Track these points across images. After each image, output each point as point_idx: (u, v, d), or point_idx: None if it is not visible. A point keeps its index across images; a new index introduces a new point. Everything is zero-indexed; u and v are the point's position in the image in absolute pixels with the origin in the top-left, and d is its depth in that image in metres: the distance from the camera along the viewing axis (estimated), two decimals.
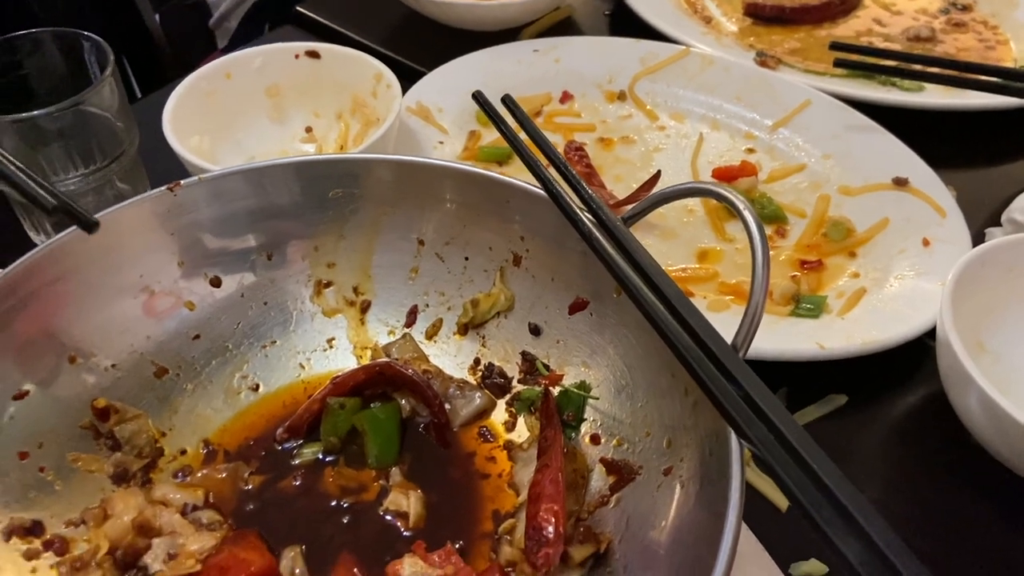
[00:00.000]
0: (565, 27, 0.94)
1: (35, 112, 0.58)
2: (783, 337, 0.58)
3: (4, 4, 1.20)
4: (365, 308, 0.56)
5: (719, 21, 0.93)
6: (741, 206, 0.45)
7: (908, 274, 0.62)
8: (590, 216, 0.49)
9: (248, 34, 1.29)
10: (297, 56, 0.74)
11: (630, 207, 0.51)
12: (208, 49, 1.47)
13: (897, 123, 0.74)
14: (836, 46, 0.76)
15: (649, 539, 0.42)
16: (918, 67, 0.73)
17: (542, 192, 0.51)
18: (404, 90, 0.78)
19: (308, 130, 0.76)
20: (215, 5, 1.40)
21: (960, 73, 0.71)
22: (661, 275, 0.46)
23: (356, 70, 0.73)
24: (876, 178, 0.70)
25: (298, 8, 0.97)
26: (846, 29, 0.91)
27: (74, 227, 0.46)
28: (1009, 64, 0.83)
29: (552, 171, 0.51)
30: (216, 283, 0.53)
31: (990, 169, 0.77)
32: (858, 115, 0.74)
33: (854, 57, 0.75)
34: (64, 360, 0.47)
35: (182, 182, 0.50)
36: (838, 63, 0.75)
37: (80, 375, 0.47)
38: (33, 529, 0.43)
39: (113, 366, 0.49)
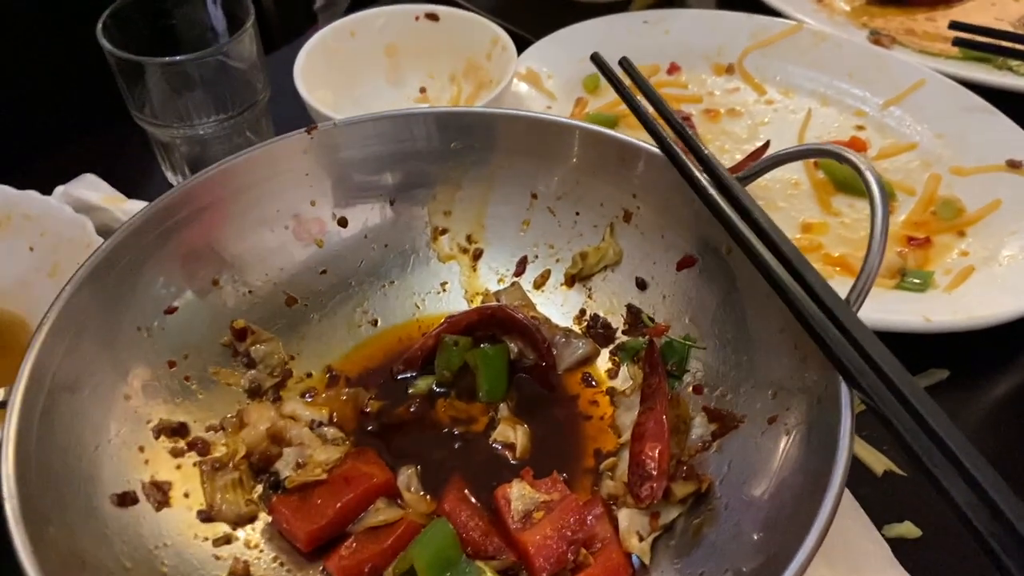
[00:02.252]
0: (673, 2, 0.95)
1: (181, 57, 0.62)
2: (888, 308, 0.58)
3: None
4: (477, 256, 0.59)
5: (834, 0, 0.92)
6: (863, 166, 0.45)
7: (1019, 254, 0.61)
8: (706, 175, 0.50)
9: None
10: (417, 18, 0.77)
11: (745, 169, 0.52)
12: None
13: (1014, 107, 0.73)
14: (956, 25, 0.75)
15: (752, 482, 0.43)
16: None
17: (658, 151, 0.53)
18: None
19: (422, 90, 0.79)
20: None
21: None
22: (776, 231, 0.47)
23: (473, 34, 0.76)
24: (989, 160, 0.69)
25: None
26: (961, 13, 0.89)
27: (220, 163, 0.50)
28: None
29: (668, 132, 0.53)
30: (343, 223, 0.57)
31: None
32: (973, 96, 0.73)
33: (973, 37, 0.74)
34: (209, 281, 0.51)
35: (319, 125, 0.54)
36: (957, 42, 0.73)
37: (222, 297, 0.52)
38: (179, 430, 0.47)
39: (250, 292, 0.53)
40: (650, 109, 0.55)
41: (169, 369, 0.48)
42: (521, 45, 0.82)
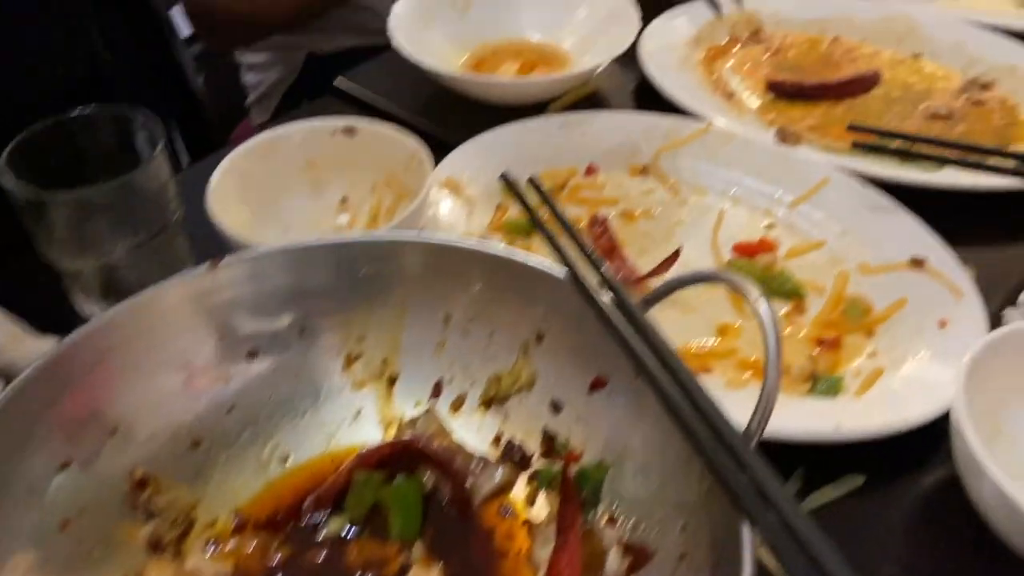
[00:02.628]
0: (592, 101, 0.97)
1: (85, 189, 0.62)
2: (800, 417, 0.59)
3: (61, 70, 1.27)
4: (392, 380, 0.58)
5: (741, 97, 0.95)
6: (753, 296, 0.46)
7: (925, 355, 0.63)
8: (609, 297, 0.51)
9: (288, 109, 1.34)
10: (335, 132, 0.77)
11: (655, 278, 0.53)
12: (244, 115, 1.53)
13: (916, 200, 0.76)
14: (854, 127, 0.78)
15: None
16: (934, 150, 0.74)
17: (563, 274, 0.53)
18: (435, 162, 0.81)
19: (343, 201, 0.79)
20: (254, 86, 1.46)
21: (975, 156, 0.73)
22: (676, 359, 0.48)
23: (390, 147, 0.76)
24: (894, 257, 0.71)
25: (336, 83, 1.01)
26: (864, 106, 0.93)
27: (118, 305, 0.49)
28: None
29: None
30: (251, 357, 0.56)
31: (1008, 248, 0.78)
32: (876, 194, 0.76)
33: (871, 139, 0.77)
34: (106, 433, 0.49)
35: (221, 261, 0.53)
36: (856, 145, 0.76)
37: (120, 447, 0.50)
38: None
39: (151, 438, 0.51)
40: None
41: (62, 531, 0.46)
42: (444, 149, 0.84)
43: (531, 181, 0.63)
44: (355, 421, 0.57)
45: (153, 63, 1.34)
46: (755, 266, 0.72)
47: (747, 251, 0.74)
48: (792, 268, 0.74)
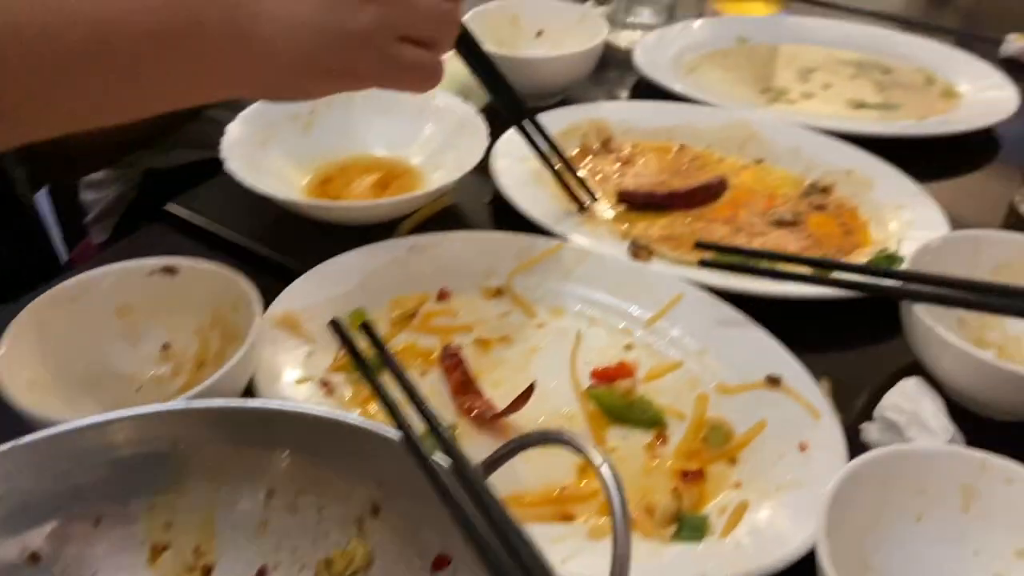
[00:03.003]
0: (445, 216, 0.94)
1: None
2: (665, 568, 0.55)
3: None
4: (207, 571, 0.51)
5: (595, 208, 0.94)
6: (598, 462, 0.42)
7: (788, 484, 0.61)
8: (447, 461, 0.46)
9: (129, 226, 1.25)
10: (151, 273, 0.70)
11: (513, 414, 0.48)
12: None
13: (768, 311, 0.75)
14: (701, 245, 0.77)
15: None
16: (777, 265, 0.75)
17: (398, 436, 0.48)
18: (277, 290, 0.75)
19: (165, 347, 0.72)
20: (92, 204, 1.37)
21: (818, 270, 0.73)
22: (518, 534, 0.43)
23: (216, 285, 0.70)
24: (751, 375, 0.70)
25: (166, 208, 0.94)
26: (713, 213, 0.94)
27: None
28: (868, 248, 0.87)
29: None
30: (35, 559, 0.47)
31: (859, 354, 0.78)
32: (728, 309, 0.75)
33: (716, 256, 0.77)
34: None
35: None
36: (703, 264, 0.76)
37: None
38: None
39: None
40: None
41: None
42: (287, 276, 0.78)
43: (364, 327, 0.58)
44: None
45: None
46: (614, 394, 0.69)
47: (606, 377, 0.71)
48: (652, 392, 0.71)
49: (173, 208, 0.94)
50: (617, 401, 0.69)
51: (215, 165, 0.97)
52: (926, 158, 1.02)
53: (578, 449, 0.44)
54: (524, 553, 0.42)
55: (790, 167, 1.01)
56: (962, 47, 1.25)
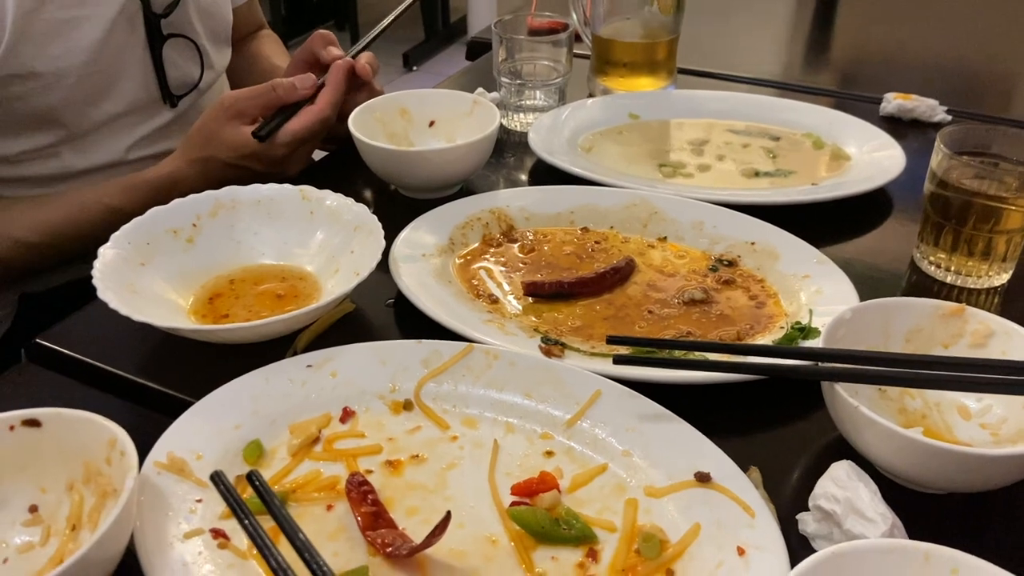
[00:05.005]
0: (345, 323, 0.89)
1: None
2: None
3: None
4: None
5: (502, 302, 0.91)
6: None
7: None
8: None
9: (5, 356, 1.15)
10: (12, 427, 0.63)
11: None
12: None
13: (688, 399, 0.72)
14: (612, 340, 0.75)
15: None
16: (692, 354, 0.72)
17: None
18: (164, 426, 0.69)
19: (33, 509, 0.64)
20: None
21: (729, 355, 0.71)
22: None
23: (86, 435, 0.63)
24: (679, 474, 0.66)
25: (38, 340, 0.86)
26: (624, 297, 0.91)
27: None
28: (781, 320, 0.85)
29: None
30: None
31: (786, 434, 0.76)
32: (649, 403, 0.72)
33: (630, 350, 0.74)
34: None
35: None
36: (617, 360, 0.73)
37: None
38: None
39: None
40: None
41: None
42: (176, 408, 0.71)
43: (250, 478, 0.52)
44: None
45: None
46: (538, 512, 0.64)
47: (528, 491, 0.67)
48: (578, 502, 0.66)
49: (45, 341, 0.86)
50: (541, 519, 0.64)
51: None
52: (824, 221, 1.03)
53: None
54: None
55: (694, 243, 1.00)
56: (843, 108, 1.28)
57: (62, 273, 1.22)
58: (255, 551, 0.61)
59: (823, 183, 1.11)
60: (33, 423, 0.63)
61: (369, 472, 0.70)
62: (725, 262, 0.96)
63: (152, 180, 1.09)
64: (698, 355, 0.77)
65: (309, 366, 0.78)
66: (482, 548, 0.63)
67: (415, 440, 0.73)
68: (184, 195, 0.95)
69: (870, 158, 1.15)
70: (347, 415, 0.75)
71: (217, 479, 0.54)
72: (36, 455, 0.64)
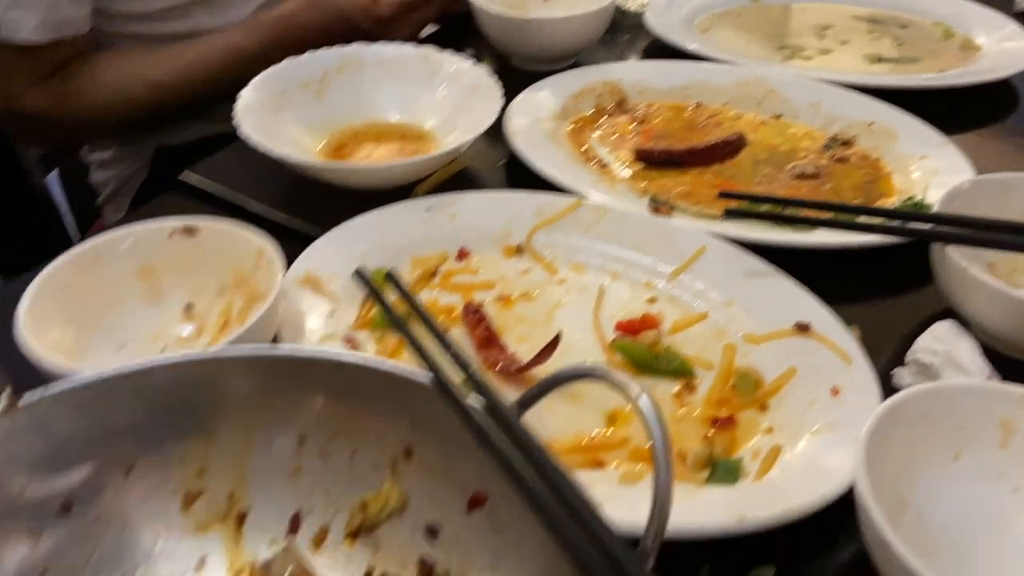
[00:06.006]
0: (460, 179, 0.93)
1: None
2: (701, 510, 0.54)
3: None
4: (241, 518, 0.50)
5: (612, 167, 0.93)
6: (635, 394, 0.42)
7: (821, 428, 0.60)
8: (480, 402, 0.46)
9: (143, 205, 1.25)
10: (171, 234, 0.70)
11: (538, 368, 0.47)
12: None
13: (792, 262, 0.74)
14: (725, 194, 0.76)
15: None
16: (803, 212, 0.73)
17: (428, 379, 0.47)
18: (295, 254, 0.75)
19: (188, 309, 0.71)
20: (103, 184, 1.37)
21: (844, 215, 0.72)
22: (557, 470, 0.42)
23: (236, 245, 0.70)
24: (778, 324, 0.69)
25: (182, 177, 0.93)
26: (733, 169, 0.93)
27: None
28: (892, 198, 0.85)
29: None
30: (67, 507, 0.47)
31: (889, 303, 0.77)
32: (753, 260, 0.74)
33: (742, 205, 0.76)
34: None
35: (21, 399, 0.45)
36: (727, 213, 0.75)
37: None
38: None
39: None
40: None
41: None
42: (306, 240, 0.78)
43: (389, 276, 0.57)
44: (199, 572, 0.49)
45: None
46: (640, 345, 0.68)
47: (630, 329, 0.71)
48: (678, 343, 0.70)
49: (189, 177, 0.94)
50: (642, 351, 0.68)
51: (226, 140, 0.96)
52: (947, 110, 1.00)
53: (614, 383, 0.44)
54: (565, 489, 0.41)
55: (810, 122, 1.00)
56: (977, 1, 1.23)
57: (196, 128, 1.30)
58: (382, 356, 0.68)
59: (949, 72, 1.08)
60: (190, 231, 0.70)
61: (481, 304, 0.75)
62: (840, 141, 0.96)
63: (271, 19, 1.15)
64: (802, 223, 0.78)
65: (429, 208, 0.83)
66: None
67: (525, 280, 0.78)
68: (300, 37, 1.00)
69: (1000, 49, 1.11)
70: (463, 254, 0.80)
71: (360, 274, 0.60)
72: (192, 260, 0.71)
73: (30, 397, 0.46)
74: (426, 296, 0.76)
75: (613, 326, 0.72)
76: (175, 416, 0.49)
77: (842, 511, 0.56)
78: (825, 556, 0.56)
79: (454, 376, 0.48)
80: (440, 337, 0.52)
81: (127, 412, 0.48)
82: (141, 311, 0.70)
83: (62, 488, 0.47)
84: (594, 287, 0.77)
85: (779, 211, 0.73)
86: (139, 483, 0.49)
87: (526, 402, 0.47)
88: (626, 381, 0.42)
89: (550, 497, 0.41)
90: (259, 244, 0.68)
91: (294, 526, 0.50)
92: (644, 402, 0.41)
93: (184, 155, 1.34)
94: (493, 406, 0.46)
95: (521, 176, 0.90)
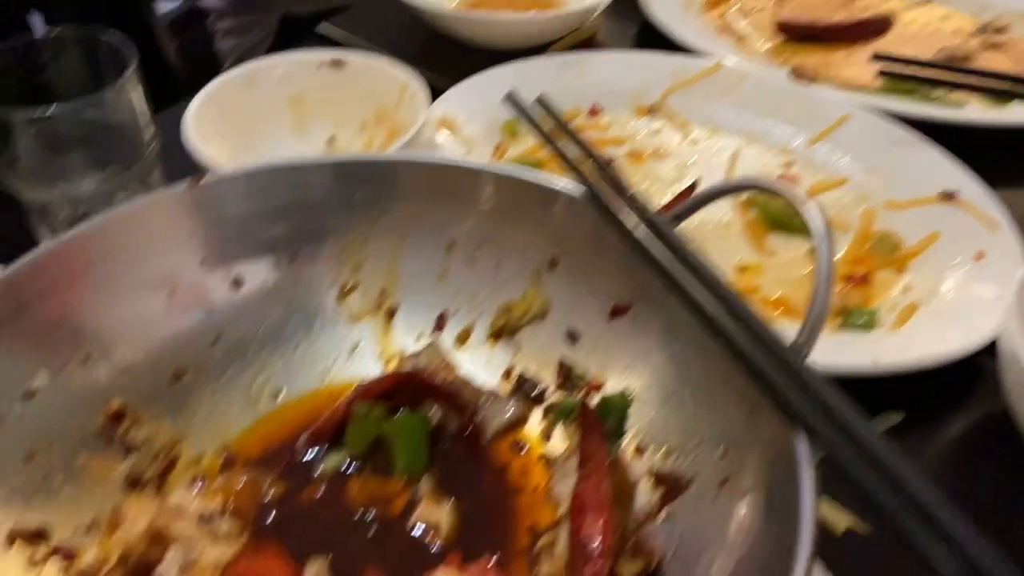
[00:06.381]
0: (591, 46, 0.93)
1: (51, 110, 0.56)
2: (835, 352, 0.54)
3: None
4: (391, 313, 0.53)
5: (750, 39, 0.91)
6: (800, 200, 0.42)
7: (962, 288, 0.59)
8: (633, 216, 0.46)
9: None
10: (320, 66, 0.72)
11: (676, 208, 0.48)
12: None
13: (940, 138, 0.72)
14: (878, 57, 0.74)
15: (707, 557, 0.38)
16: (958, 77, 0.70)
17: (580, 192, 0.49)
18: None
19: (331, 141, 0.74)
20: (228, 53, 1.40)
21: (1006, 83, 0.69)
22: (712, 272, 0.43)
23: (381, 80, 0.71)
24: (923, 192, 0.67)
25: (320, 28, 0.95)
26: (879, 47, 0.89)
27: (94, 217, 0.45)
28: None
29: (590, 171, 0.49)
30: (238, 283, 0.51)
31: None
32: (900, 129, 0.72)
33: (897, 68, 0.73)
34: (77, 358, 0.44)
35: (203, 177, 0.48)
36: (883, 72, 0.72)
37: (94, 375, 0.45)
38: (38, 534, 0.40)
39: (129, 366, 0.46)
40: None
41: (27, 462, 0.41)
42: (437, 95, 0.79)
43: (540, 101, 0.58)
44: (352, 356, 0.52)
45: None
46: (775, 203, 0.68)
47: None
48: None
49: (325, 29, 0.96)
50: (778, 209, 0.67)
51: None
52: None
53: (778, 190, 0.44)
54: (720, 289, 0.42)
55: (961, 7, 0.94)
56: None
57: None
58: None
59: None
60: (338, 64, 0.73)
61: (612, 157, 0.75)
62: (993, 28, 0.91)
63: None
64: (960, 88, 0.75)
65: (563, 65, 0.83)
66: (716, 231, 0.68)
67: (657, 139, 0.78)
68: None
69: None
70: (594, 111, 0.81)
71: (511, 97, 0.61)
72: (338, 94, 0.73)
73: (211, 177, 0.49)
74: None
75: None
76: (336, 213, 0.52)
77: (972, 374, 0.56)
78: (954, 410, 0.56)
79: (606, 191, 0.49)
80: (592, 155, 0.53)
81: (293, 203, 0.51)
82: (288, 140, 0.73)
83: (232, 263, 0.50)
84: (728, 149, 0.76)
85: (935, 76, 0.70)
86: (301, 270, 0.52)
87: (681, 215, 0.47)
88: (790, 188, 0.43)
89: (705, 298, 0.42)
90: (404, 79, 0.70)
91: (440, 324, 0.53)
92: (811, 207, 0.41)
93: (310, 24, 1.37)
94: (647, 217, 0.47)
95: (653, 47, 0.89)
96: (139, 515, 0.41)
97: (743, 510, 0.38)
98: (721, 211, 0.70)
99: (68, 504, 0.41)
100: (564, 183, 0.50)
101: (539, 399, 0.50)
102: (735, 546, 0.37)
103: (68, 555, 0.40)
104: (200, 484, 0.44)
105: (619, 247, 0.48)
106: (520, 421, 0.49)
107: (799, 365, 0.38)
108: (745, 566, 0.36)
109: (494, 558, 0.41)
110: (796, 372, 0.37)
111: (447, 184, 0.52)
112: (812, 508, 0.33)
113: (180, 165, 0.64)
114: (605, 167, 0.52)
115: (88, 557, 0.40)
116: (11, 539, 0.39)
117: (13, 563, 0.39)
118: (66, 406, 0.43)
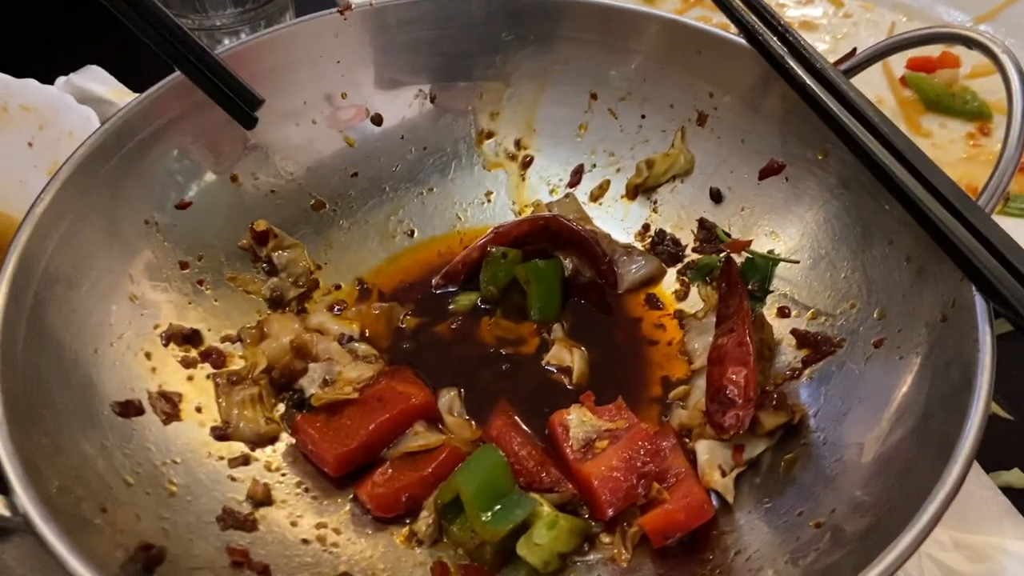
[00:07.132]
0: None
1: None
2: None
3: None
4: (527, 163, 0.52)
5: None
6: (997, 49, 0.39)
7: None
8: (799, 66, 0.43)
9: None
10: None
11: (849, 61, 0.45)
12: None
13: None
14: None
15: (855, 416, 0.37)
16: None
17: (741, 41, 0.46)
18: None
19: None
20: None
21: None
22: (889, 125, 0.40)
23: None
24: None
25: None
26: None
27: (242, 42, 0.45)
28: None
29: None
30: (377, 121, 0.50)
31: None
32: None
33: None
34: (227, 175, 0.45)
35: (353, 5, 0.47)
36: None
37: (241, 194, 0.46)
38: (191, 338, 0.41)
39: (273, 191, 0.47)
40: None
41: (181, 271, 0.43)
42: None
43: None
44: (485, 203, 0.52)
45: None
46: (932, 82, 0.63)
47: (925, 66, 0.65)
48: (977, 89, 0.64)
49: None
50: (937, 87, 0.63)
51: None
52: None
53: (972, 38, 0.40)
54: (897, 142, 0.39)
55: None
56: None
57: None
58: None
59: None
60: None
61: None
62: None
63: None
64: None
65: None
66: None
67: (808, 11, 0.73)
68: None
69: None
70: None
71: None
72: None
73: (360, 5, 0.48)
74: (697, 15, 0.73)
75: (904, 63, 0.66)
76: (483, 53, 0.50)
77: None
78: None
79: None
80: (758, 7, 0.49)
81: (436, 39, 0.50)
82: None
83: (374, 96, 0.50)
84: (884, 23, 0.71)
85: None
86: (439, 111, 0.51)
87: (852, 69, 0.44)
88: (988, 37, 0.39)
89: (879, 150, 0.39)
90: None
91: (576, 178, 0.52)
92: (1007, 59, 0.38)
93: None
94: (819, 72, 0.44)
95: None
96: (283, 331, 0.42)
97: (900, 372, 0.36)
98: (874, 88, 0.65)
99: (218, 314, 0.43)
100: (724, 31, 0.47)
101: (677, 258, 0.49)
102: (888, 407, 0.36)
103: (218, 360, 0.41)
104: (338, 310, 0.45)
105: (778, 103, 0.45)
106: (656, 276, 0.48)
107: (983, 220, 0.35)
108: (898, 428, 0.34)
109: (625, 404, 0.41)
110: (979, 229, 0.35)
111: (601, 29, 0.49)
112: (990, 370, 0.31)
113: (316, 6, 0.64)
114: (766, 12, 0.48)
115: (235, 364, 0.42)
116: (167, 340, 0.41)
117: (169, 361, 0.40)
118: (216, 221, 0.44)
